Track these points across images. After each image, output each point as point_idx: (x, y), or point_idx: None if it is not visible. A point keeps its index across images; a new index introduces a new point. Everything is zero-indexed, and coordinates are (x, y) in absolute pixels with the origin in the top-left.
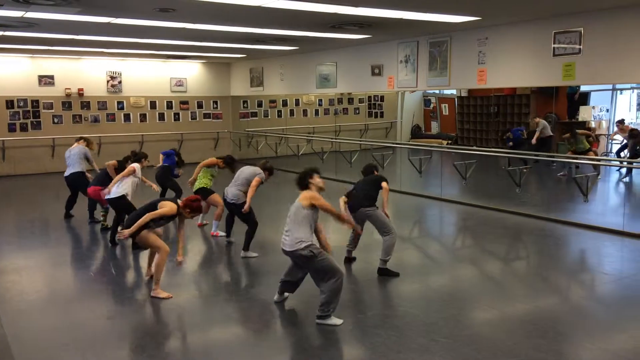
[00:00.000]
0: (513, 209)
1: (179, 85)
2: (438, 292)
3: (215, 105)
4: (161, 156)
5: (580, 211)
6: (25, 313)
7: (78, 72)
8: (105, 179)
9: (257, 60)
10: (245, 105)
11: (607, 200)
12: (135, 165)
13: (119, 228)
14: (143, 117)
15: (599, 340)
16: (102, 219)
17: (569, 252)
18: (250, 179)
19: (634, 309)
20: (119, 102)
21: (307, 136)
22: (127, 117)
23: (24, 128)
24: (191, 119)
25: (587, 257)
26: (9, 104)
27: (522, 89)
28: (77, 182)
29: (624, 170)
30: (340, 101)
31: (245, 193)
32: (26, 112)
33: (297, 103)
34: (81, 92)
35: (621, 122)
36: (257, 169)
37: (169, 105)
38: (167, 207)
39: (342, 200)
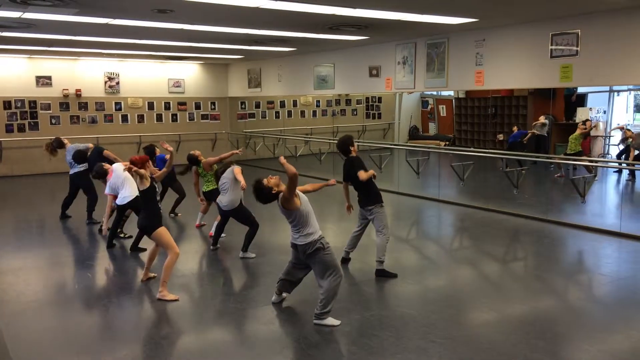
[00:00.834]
0: (511, 210)
1: (176, 86)
2: (436, 293)
3: (213, 106)
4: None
5: (577, 212)
6: (23, 314)
7: (76, 73)
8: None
9: (255, 61)
10: (243, 106)
11: (604, 202)
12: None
13: (117, 230)
14: (141, 118)
15: (597, 341)
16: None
17: (567, 254)
18: (231, 177)
19: (631, 310)
20: (116, 103)
21: (304, 137)
22: (124, 118)
23: (21, 129)
24: (189, 119)
25: (584, 259)
26: (7, 104)
27: (520, 90)
28: (81, 181)
29: (625, 172)
30: (338, 102)
31: (238, 196)
32: (24, 112)
33: (294, 104)
34: (79, 92)
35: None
36: (228, 167)
37: (167, 106)
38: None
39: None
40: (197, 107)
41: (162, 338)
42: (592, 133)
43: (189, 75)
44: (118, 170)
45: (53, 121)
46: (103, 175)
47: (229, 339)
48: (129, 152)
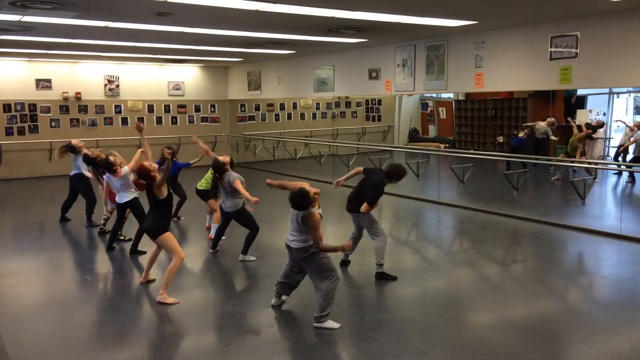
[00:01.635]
0: (510, 213)
1: (176, 89)
2: (436, 296)
3: (212, 109)
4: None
5: (577, 214)
6: (22, 317)
7: (75, 76)
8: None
9: (255, 64)
10: (242, 108)
11: (604, 204)
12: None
13: (117, 233)
14: (141, 120)
15: (597, 343)
16: (102, 222)
17: (567, 256)
18: (231, 185)
19: (631, 312)
20: (116, 106)
21: (304, 140)
22: (124, 121)
23: (21, 132)
24: (189, 122)
25: (584, 261)
26: (7, 107)
27: (520, 92)
28: (80, 183)
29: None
30: (337, 105)
31: (240, 200)
32: (23, 115)
33: (294, 107)
34: (79, 95)
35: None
36: (231, 174)
37: (167, 109)
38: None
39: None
40: (197, 109)
41: (161, 341)
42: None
43: (189, 78)
44: (125, 171)
45: (53, 124)
46: (109, 167)
47: (229, 341)
48: (129, 155)
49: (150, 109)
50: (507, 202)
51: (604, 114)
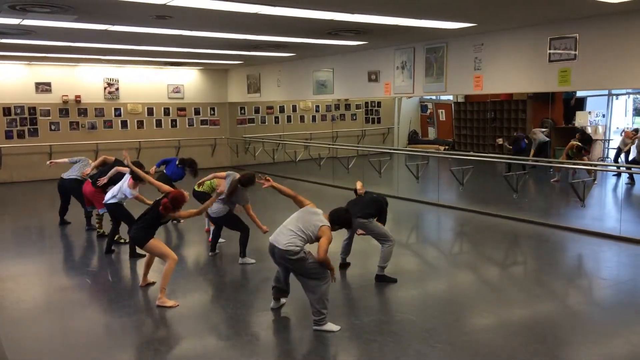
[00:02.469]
0: (510, 215)
1: (176, 92)
2: (436, 298)
3: (212, 112)
4: (154, 167)
5: (577, 216)
6: (22, 321)
7: (75, 79)
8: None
9: (254, 67)
10: (242, 111)
11: (603, 206)
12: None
13: (115, 236)
14: (140, 123)
15: (597, 345)
16: (97, 225)
17: (567, 258)
18: (244, 204)
19: (631, 314)
20: (116, 109)
21: (304, 142)
22: (124, 124)
23: (21, 135)
24: (188, 125)
25: (584, 262)
26: (6, 111)
27: (519, 94)
28: (74, 188)
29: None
30: (337, 107)
31: (226, 205)
32: (23, 119)
33: (294, 109)
34: (78, 99)
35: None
36: (244, 194)
37: (166, 112)
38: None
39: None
40: (197, 112)
41: (160, 344)
42: (592, 136)
43: (189, 80)
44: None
45: (53, 127)
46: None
47: (228, 345)
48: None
49: (150, 111)
50: (506, 204)
51: (603, 116)
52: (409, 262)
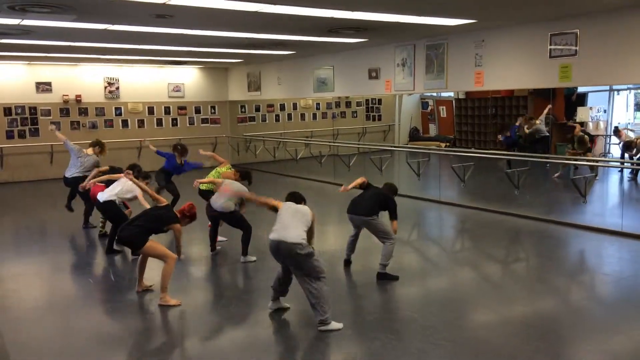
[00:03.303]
0: (512, 211)
1: (176, 91)
2: (437, 296)
3: (213, 110)
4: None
5: (579, 212)
6: (24, 321)
7: (75, 79)
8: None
9: (255, 65)
10: (243, 109)
11: (605, 201)
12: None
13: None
14: (141, 122)
15: (599, 341)
16: (100, 224)
17: (568, 254)
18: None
19: (633, 310)
20: (116, 108)
21: (305, 140)
22: (125, 123)
23: (22, 135)
24: (189, 124)
25: (586, 258)
26: (7, 111)
27: (520, 90)
28: (78, 184)
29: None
30: (338, 105)
31: (232, 203)
32: (24, 119)
33: (294, 107)
34: (79, 98)
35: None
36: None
37: (167, 111)
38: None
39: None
40: (197, 111)
41: (163, 343)
42: (593, 132)
43: (189, 79)
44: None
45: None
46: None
47: (230, 343)
48: (129, 158)
49: (151, 110)
50: (508, 200)
51: (605, 111)
52: (411, 260)
